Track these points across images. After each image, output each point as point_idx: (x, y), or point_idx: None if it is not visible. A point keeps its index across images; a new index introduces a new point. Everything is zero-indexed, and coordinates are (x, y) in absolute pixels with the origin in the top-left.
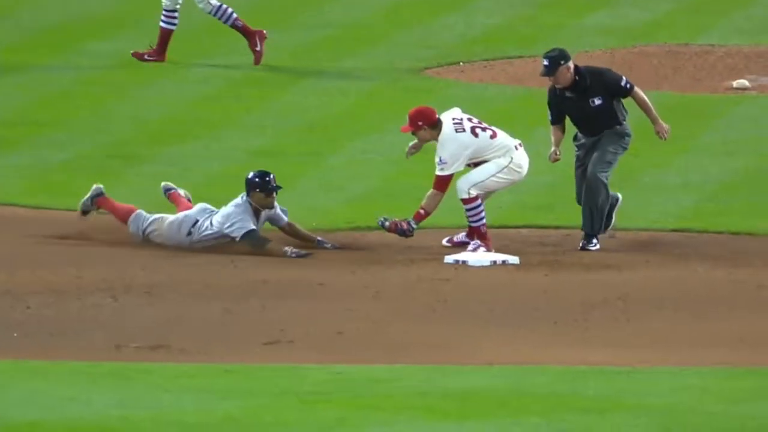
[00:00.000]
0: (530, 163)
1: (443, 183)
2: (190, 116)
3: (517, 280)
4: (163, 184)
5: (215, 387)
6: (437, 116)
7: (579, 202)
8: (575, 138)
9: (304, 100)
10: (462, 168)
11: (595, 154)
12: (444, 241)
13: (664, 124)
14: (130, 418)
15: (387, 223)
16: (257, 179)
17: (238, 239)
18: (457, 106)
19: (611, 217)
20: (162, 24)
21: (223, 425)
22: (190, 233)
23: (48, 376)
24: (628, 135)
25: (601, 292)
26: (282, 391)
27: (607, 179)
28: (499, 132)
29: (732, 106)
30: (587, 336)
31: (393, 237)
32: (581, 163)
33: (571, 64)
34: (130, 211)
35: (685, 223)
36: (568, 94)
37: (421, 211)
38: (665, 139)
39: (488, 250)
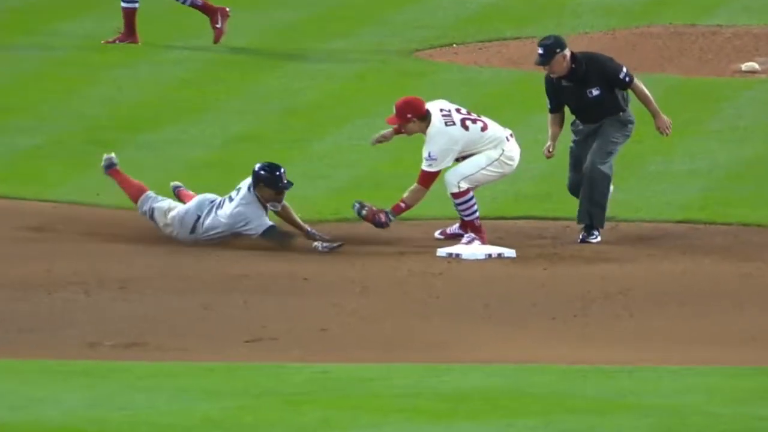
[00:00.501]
0: (527, 151)
1: (429, 179)
2: (167, 100)
3: (513, 274)
4: (171, 183)
5: (194, 387)
6: (426, 107)
7: (571, 191)
8: (573, 124)
9: (287, 83)
10: (451, 163)
11: (595, 144)
12: (436, 234)
13: (666, 118)
14: (104, 420)
15: (363, 211)
16: (265, 173)
17: (256, 236)
18: (451, 90)
19: None
20: (123, 4)
21: (201, 427)
22: (194, 230)
23: (17, 375)
24: (631, 122)
25: (601, 286)
26: (264, 391)
27: (610, 169)
28: (489, 123)
29: (740, 89)
30: (587, 333)
31: (381, 229)
32: (577, 152)
33: (567, 52)
34: (141, 191)
35: (690, 214)
36: (564, 83)
37: (402, 204)
38: (666, 134)
39: (483, 242)
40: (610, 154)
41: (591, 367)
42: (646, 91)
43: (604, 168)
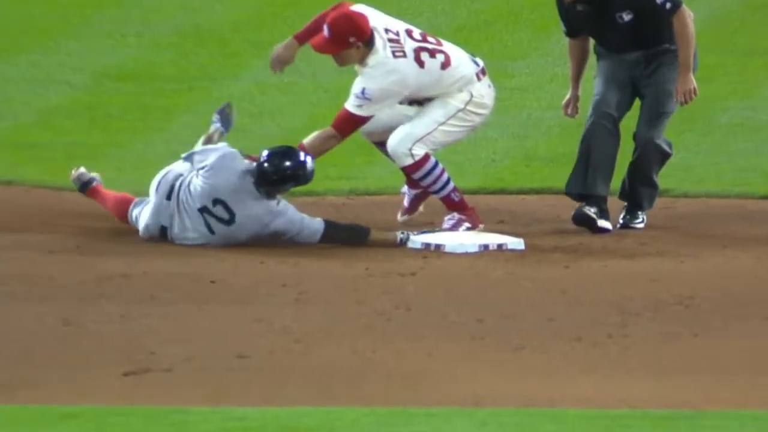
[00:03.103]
0: (542, 91)
1: (350, 125)
2: (8, 19)
3: (520, 274)
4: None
5: None
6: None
7: (592, 132)
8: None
9: None
10: (389, 109)
11: (645, 103)
12: (399, 217)
13: (691, 81)
14: None
15: None
16: (275, 169)
17: (316, 242)
18: (426, 3)
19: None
20: None
21: None
22: (171, 240)
23: None
24: None
25: (650, 293)
26: None
27: (667, 143)
28: (454, 55)
29: None
30: (629, 360)
31: (326, 206)
32: (610, 74)
33: None
34: (126, 204)
35: None
36: (580, 6)
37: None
38: (682, 103)
39: (474, 226)
40: (667, 115)
41: (635, 411)
42: (691, 30)
43: (662, 142)
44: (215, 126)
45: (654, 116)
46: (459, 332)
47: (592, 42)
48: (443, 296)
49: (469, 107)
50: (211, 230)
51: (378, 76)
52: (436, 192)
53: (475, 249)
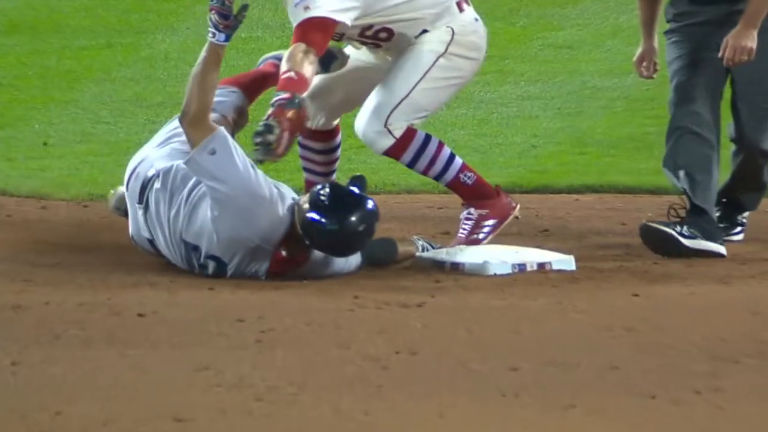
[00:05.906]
0: (599, 49)
1: (315, 30)
2: None
3: (570, 305)
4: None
5: None
6: None
7: (672, 159)
8: (673, 5)
9: None
10: (349, 21)
11: (747, 97)
12: None
13: (752, 38)
14: None
15: (275, 131)
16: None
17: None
18: None
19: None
20: None
21: None
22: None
23: None
24: None
25: (751, 331)
26: None
27: None
28: None
29: None
30: (722, 424)
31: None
32: (692, 57)
33: None
34: None
35: None
36: None
37: (292, 74)
38: (727, 63)
39: (502, 220)
40: None
41: None
42: None
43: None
44: (212, 33)
45: (762, 115)
46: (484, 386)
47: None
48: (462, 336)
49: (452, 49)
50: (190, 265)
51: None
52: (439, 177)
53: (507, 270)
